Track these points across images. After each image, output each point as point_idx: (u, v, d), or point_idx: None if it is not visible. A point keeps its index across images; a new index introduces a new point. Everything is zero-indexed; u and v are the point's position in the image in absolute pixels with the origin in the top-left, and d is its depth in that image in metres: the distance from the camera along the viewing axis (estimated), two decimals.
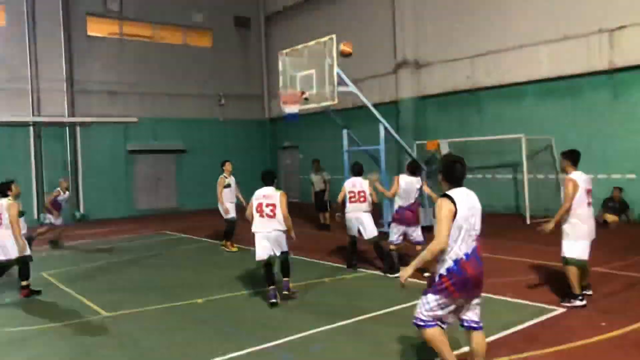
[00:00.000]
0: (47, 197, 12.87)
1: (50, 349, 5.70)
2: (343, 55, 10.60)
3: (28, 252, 7.82)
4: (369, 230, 8.68)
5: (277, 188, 7.29)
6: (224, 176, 11.33)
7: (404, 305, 6.58)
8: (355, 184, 8.77)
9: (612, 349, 5.00)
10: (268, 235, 7.07)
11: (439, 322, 4.10)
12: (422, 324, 4.08)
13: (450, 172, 4.15)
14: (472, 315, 4.15)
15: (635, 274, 7.67)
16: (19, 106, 17.39)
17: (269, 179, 7.31)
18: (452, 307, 4.06)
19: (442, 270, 3.99)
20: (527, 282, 7.54)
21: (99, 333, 6.12)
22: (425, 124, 17.07)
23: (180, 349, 5.52)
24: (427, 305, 4.05)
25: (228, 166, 11.44)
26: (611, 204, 12.37)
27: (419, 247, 8.23)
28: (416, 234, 8.50)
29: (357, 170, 8.96)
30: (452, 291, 3.96)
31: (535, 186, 13.63)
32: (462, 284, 3.96)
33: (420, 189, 8.65)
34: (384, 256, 8.57)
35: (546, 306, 6.29)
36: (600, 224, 11.79)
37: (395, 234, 8.44)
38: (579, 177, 6.34)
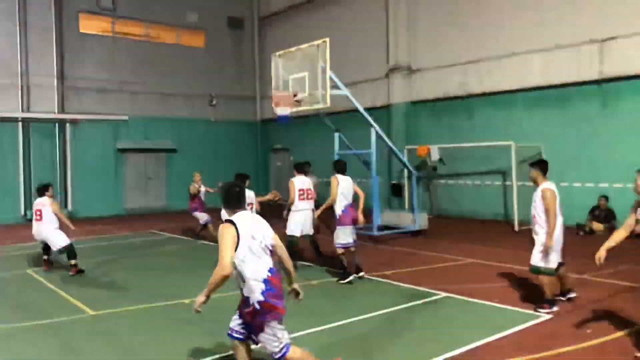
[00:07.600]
0: (191, 194, 12.42)
1: (35, 347, 5.64)
2: None
3: (69, 240, 9.14)
4: (311, 227, 9.10)
5: (249, 188, 8.20)
6: None
7: (392, 309, 6.61)
8: (304, 182, 9.09)
9: (598, 356, 5.05)
10: None
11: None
12: (284, 352, 4.01)
13: (228, 198, 4.16)
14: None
15: (620, 282, 7.74)
16: (7, 102, 17.23)
17: (244, 181, 8.37)
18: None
19: (259, 297, 3.91)
20: (514, 288, 7.58)
21: (84, 331, 6.07)
22: (416, 129, 17.14)
23: (167, 348, 5.48)
24: (277, 338, 4.00)
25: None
26: (597, 213, 12.48)
27: (353, 249, 8.35)
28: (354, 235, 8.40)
29: (305, 169, 9.38)
30: (278, 309, 3.98)
31: (524, 193, 13.64)
32: (279, 297, 4.00)
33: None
34: (319, 252, 9.46)
35: (533, 312, 6.33)
36: (587, 232, 11.98)
37: (348, 235, 8.20)
38: (553, 187, 6.35)
